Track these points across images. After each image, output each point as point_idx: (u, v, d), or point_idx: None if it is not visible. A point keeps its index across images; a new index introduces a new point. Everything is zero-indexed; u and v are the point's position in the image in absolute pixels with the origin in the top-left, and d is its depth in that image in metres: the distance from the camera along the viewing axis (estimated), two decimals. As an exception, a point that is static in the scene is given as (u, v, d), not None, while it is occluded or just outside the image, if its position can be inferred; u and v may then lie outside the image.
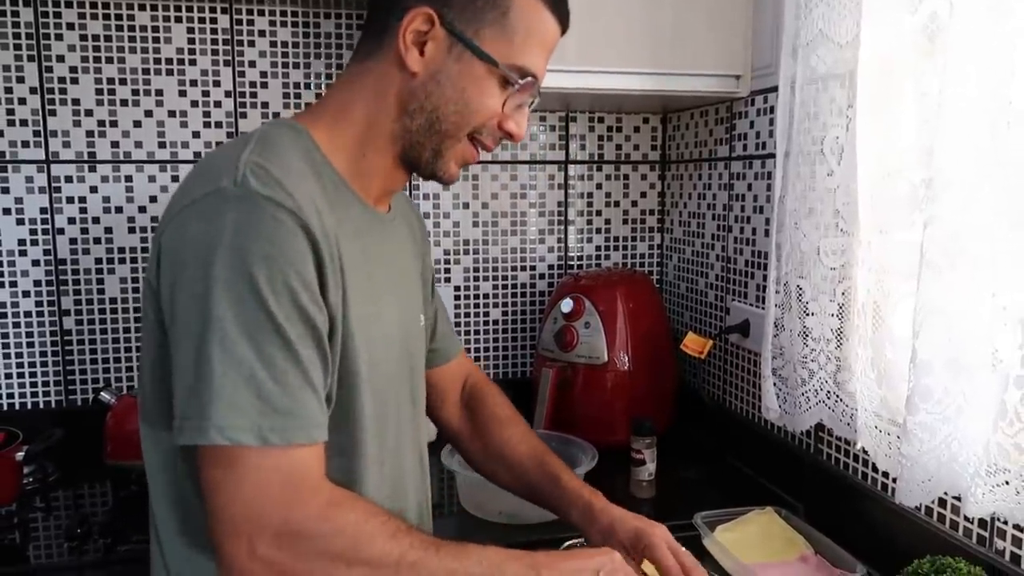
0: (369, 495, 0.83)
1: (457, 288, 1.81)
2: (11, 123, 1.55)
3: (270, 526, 0.69)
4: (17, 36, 1.54)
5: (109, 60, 1.58)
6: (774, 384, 1.27)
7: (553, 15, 0.84)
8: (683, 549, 0.92)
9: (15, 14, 1.53)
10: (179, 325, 0.71)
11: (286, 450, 0.70)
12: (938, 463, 0.93)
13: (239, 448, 0.69)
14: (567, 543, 1.01)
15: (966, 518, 1.02)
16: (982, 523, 0.99)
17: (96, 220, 1.61)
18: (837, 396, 1.15)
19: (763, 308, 1.31)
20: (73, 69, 1.57)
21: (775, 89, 1.27)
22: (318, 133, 0.83)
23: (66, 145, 1.58)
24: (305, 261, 0.72)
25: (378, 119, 0.84)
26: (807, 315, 1.18)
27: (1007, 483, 0.87)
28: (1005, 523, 0.96)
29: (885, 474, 1.16)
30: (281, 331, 0.70)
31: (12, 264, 1.58)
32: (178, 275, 0.71)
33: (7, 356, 1.59)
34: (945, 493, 0.96)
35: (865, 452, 1.13)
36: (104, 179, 1.60)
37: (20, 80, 1.55)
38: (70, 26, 1.56)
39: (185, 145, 1.63)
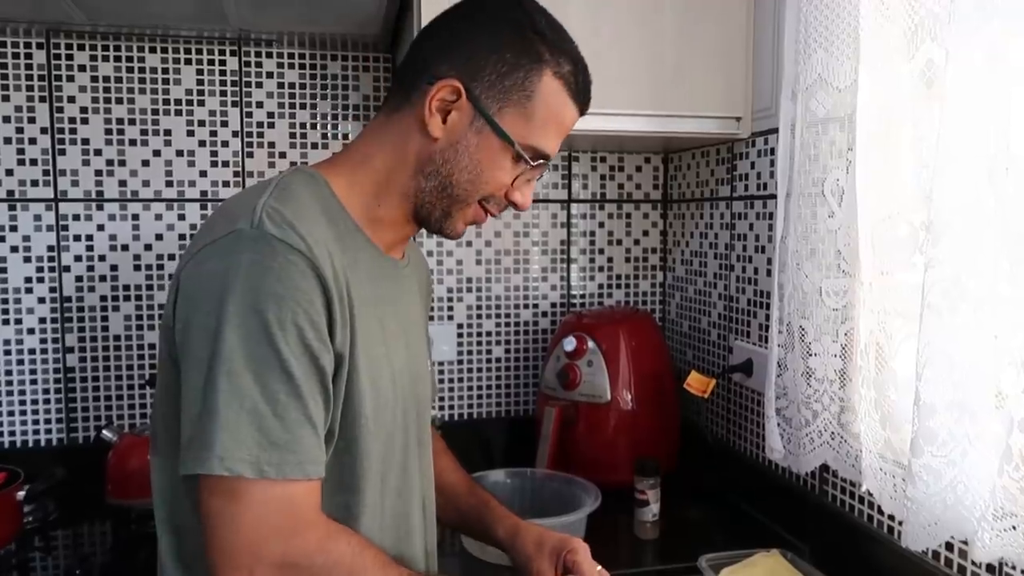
0: (368, 532, 0.84)
1: (460, 326, 1.81)
2: (21, 162, 1.57)
3: (269, 557, 0.71)
4: (30, 78, 1.57)
5: (119, 101, 1.61)
6: (778, 424, 1.26)
7: (575, 103, 0.89)
8: (598, 567, 0.99)
9: (28, 56, 1.56)
10: (190, 358, 0.74)
11: (283, 484, 0.72)
12: (944, 507, 0.92)
13: (239, 480, 0.71)
14: None
15: (974, 563, 1.01)
16: (990, 568, 0.98)
17: (102, 258, 1.62)
18: (841, 437, 1.15)
19: (766, 347, 1.31)
20: (83, 109, 1.59)
21: (775, 131, 1.29)
22: (337, 180, 0.86)
23: (74, 184, 1.60)
24: (313, 301, 0.74)
25: (395, 173, 0.87)
26: (810, 355, 1.18)
27: (1014, 528, 0.86)
28: (1013, 568, 0.95)
29: (891, 517, 1.15)
30: (286, 367, 0.72)
31: (18, 301, 1.59)
32: (192, 310, 0.74)
33: (10, 394, 1.59)
34: (952, 537, 0.95)
35: (870, 494, 1.12)
36: (111, 217, 1.62)
37: (31, 120, 1.57)
38: (81, 68, 1.59)
39: (192, 184, 1.65)
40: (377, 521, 0.86)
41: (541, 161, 0.88)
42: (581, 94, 0.90)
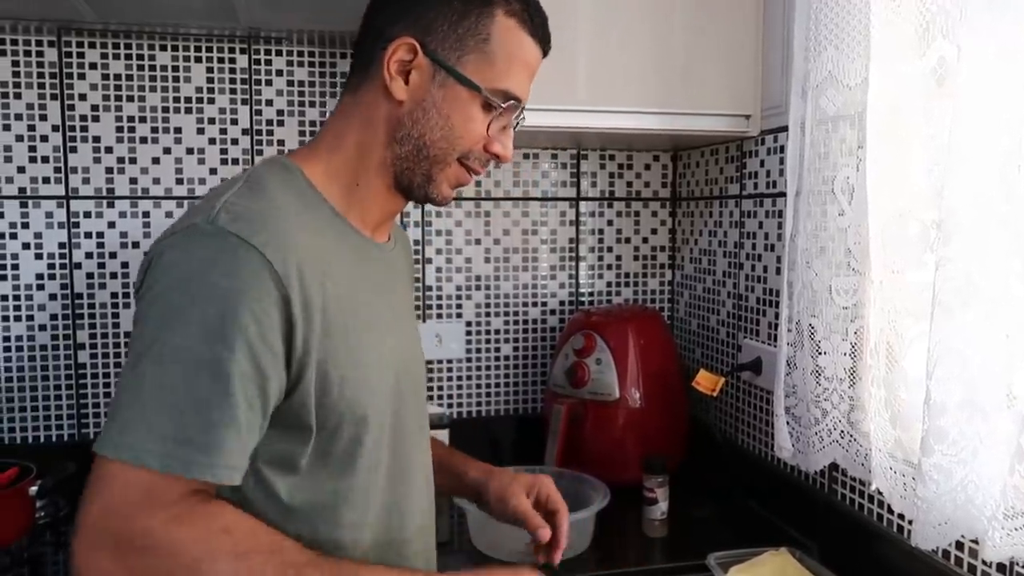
0: (359, 518, 0.85)
1: (468, 324, 1.81)
2: (32, 160, 1.58)
3: (118, 534, 0.69)
4: (41, 75, 1.57)
5: (130, 99, 1.61)
6: (787, 423, 1.26)
7: (533, 39, 0.88)
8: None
9: (39, 54, 1.57)
10: (132, 345, 0.74)
11: (177, 479, 0.70)
12: (954, 506, 0.92)
13: (121, 464, 0.69)
14: None
15: (984, 562, 1.00)
16: (1001, 567, 0.98)
17: (113, 255, 1.63)
18: (851, 436, 1.15)
19: (775, 346, 1.31)
20: (95, 107, 1.60)
21: (785, 129, 1.28)
22: (312, 168, 0.86)
23: (86, 181, 1.61)
24: (261, 299, 0.72)
25: (369, 148, 0.86)
26: (819, 354, 1.17)
27: (1025, 527, 0.86)
28: (1024, 567, 0.95)
29: (901, 516, 1.15)
30: (219, 366, 0.71)
31: (29, 298, 1.60)
32: (141, 300, 0.75)
33: (22, 390, 1.61)
34: (962, 536, 0.95)
35: (880, 493, 1.12)
36: (122, 215, 1.63)
37: (43, 118, 1.58)
38: (92, 66, 1.59)
39: (202, 182, 1.66)
40: (370, 507, 0.86)
41: (512, 103, 0.87)
42: (538, 29, 0.88)
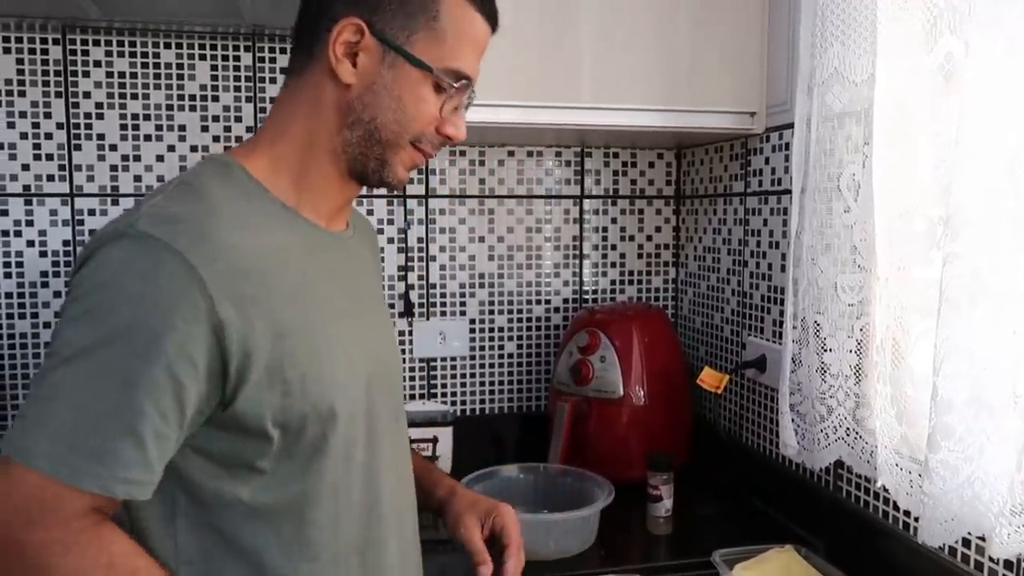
0: (330, 519, 0.81)
1: (472, 321, 1.81)
2: (37, 157, 1.58)
3: (16, 543, 0.68)
4: (46, 73, 1.57)
5: (134, 96, 1.61)
6: (792, 420, 1.26)
7: (482, 15, 0.85)
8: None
9: (44, 52, 1.57)
10: (49, 347, 0.72)
11: (68, 488, 0.67)
12: (961, 502, 0.91)
13: (16, 466, 0.68)
14: None
15: (991, 559, 1.00)
16: (1008, 564, 0.98)
17: (117, 252, 1.63)
18: (856, 433, 1.15)
19: (780, 343, 1.30)
20: (99, 105, 1.60)
21: (790, 126, 1.28)
22: (256, 162, 0.82)
23: (90, 179, 1.61)
24: (181, 305, 0.69)
25: (317, 134, 0.83)
26: (825, 351, 1.17)
27: (1033, 523, 0.86)
28: (1031, 564, 0.94)
29: (907, 513, 1.14)
30: (127, 374, 0.68)
31: (34, 296, 1.60)
32: (64, 305, 0.73)
33: (26, 387, 1.61)
34: (969, 533, 0.95)
35: (886, 490, 1.12)
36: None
37: (47, 116, 1.58)
38: (97, 63, 1.59)
39: (206, 179, 1.65)
40: (341, 504, 0.82)
41: (464, 82, 0.84)
42: (486, 5, 0.85)
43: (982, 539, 0.98)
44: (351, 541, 0.84)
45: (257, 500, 0.77)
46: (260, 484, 0.77)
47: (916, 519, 1.05)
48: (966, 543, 1.04)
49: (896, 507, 1.17)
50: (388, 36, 0.80)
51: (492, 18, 0.87)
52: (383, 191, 1.71)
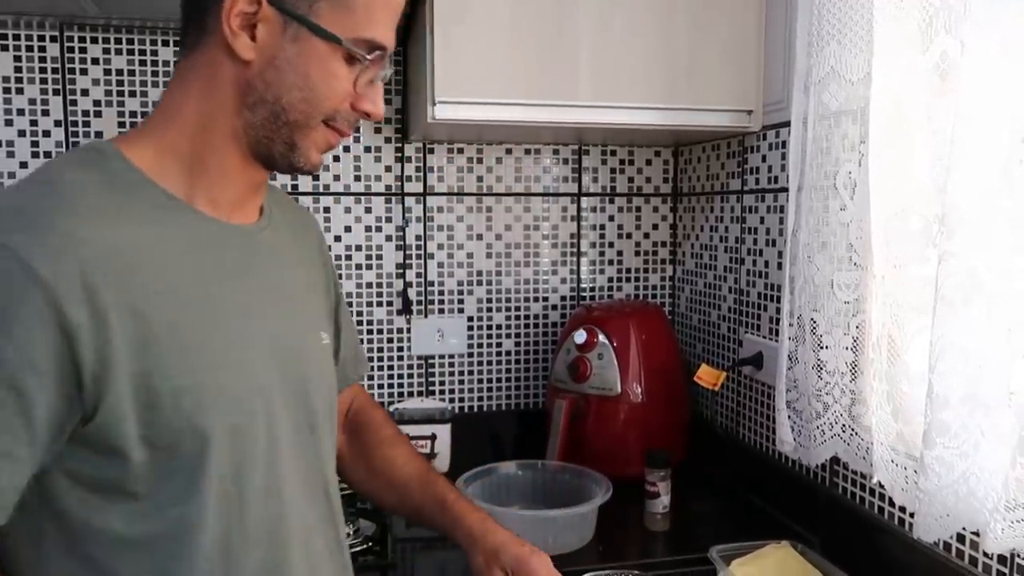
0: (221, 542, 0.73)
1: (470, 319, 1.82)
2: (35, 155, 1.58)
3: None
4: (43, 71, 1.57)
5: (132, 94, 1.61)
6: (788, 417, 1.27)
7: None
8: None
9: (42, 49, 1.57)
10: None
11: None
12: (956, 498, 0.92)
13: None
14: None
15: (985, 554, 1.01)
16: (1002, 559, 0.99)
17: (116, 250, 1.63)
18: (852, 430, 1.15)
19: (776, 341, 1.31)
20: (97, 103, 1.60)
21: (787, 124, 1.29)
22: (139, 148, 0.74)
23: (88, 177, 1.61)
24: (19, 311, 0.62)
25: (214, 118, 0.75)
26: (821, 348, 1.18)
27: (1026, 519, 0.86)
28: (1025, 559, 0.95)
29: (902, 509, 1.15)
30: None
31: (32, 293, 1.60)
32: None
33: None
34: (964, 528, 0.96)
35: (881, 486, 1.13)
36: (124, 210, 1.63)
37: (45, 113, 1.58)
38: (95, 61, 1.59)
39: (204, 177, 1.66)
40: (234, 530, 0.74)
41: (379, 53, 0.76)
42: None
43: (976, 534, 0.99)
44: (247, 566, 0.75)
45: (132, 528, 0.70)
46: (135, 510, 0.70)
47: (911, 515, 1.06)
48: (960, 538, 1.04)
49: (892, 503, 1.17)
50: (287, 5, 0.72)
51: None
52: (388, 189, 1.72)
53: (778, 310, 1.34)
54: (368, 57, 0.76)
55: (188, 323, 0.71)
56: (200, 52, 0.75)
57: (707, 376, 1.53)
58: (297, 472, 0.81)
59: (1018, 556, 0.96)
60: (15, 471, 0.64)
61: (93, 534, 0.69)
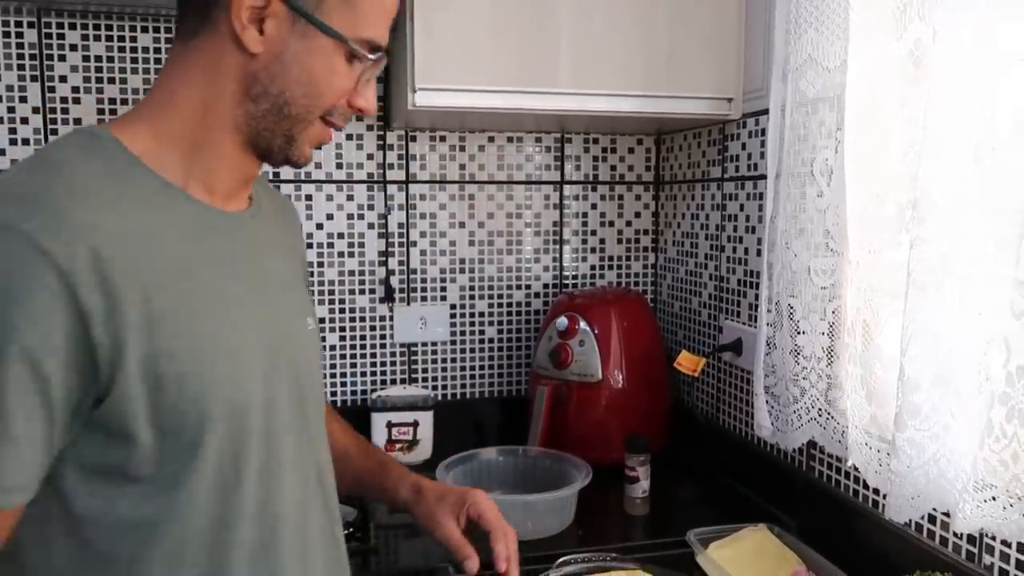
0: (217, 528, 0.74)
1: (453, 306, 1.82)
2: (13, 142, 1.57)
3: None
4: (21, 56, 1.56)
5: (111, 81, 1.60)
6: (766, 402, 1.28)
7: None
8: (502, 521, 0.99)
9: (19, 35, 1.55)
10: None
11: None
12: (927, 479, 0.94)
13: None
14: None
15: (955, 534, 1.03)
16: (971, 539, 1.01)
17: (96, 238, 1.62)
18: (828, 414, 1.17)
19: (755, 327, 1.33)
20: (75, 89, 1.59)
21: (766, 112, 1.30)
22: (133, 133, 0.75)
23: (67, 164, 1.59)
24: (38, 294, 0.63)
25: (214, 106, 0.76)
26: (798, 333, 1.19)
27: (994, 499, 0.88)
28: (993, 539, 0.97)
29: (876, 491, 1.17)
30: None
31: (11, 281, 1.59)
32: None
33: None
34: (934, 509, 0.98)
35: (856, 469, 1.14)
36: (104, 197, 1.62)
37: (23, 100, 1.57)
38: (73, 47, 1.58)
39: (185, 164, 1.65)
40: (230, 510, 0.75)
41: (380, 54, 0.79)
42: None
43: (947, 515, 1.01)
44: (242, 545, 0.76)
45: (133, 512, 0.71)
46: (137, 493, 0.71)
47: (884, 496, 1.08)
48: (931, 519, 1.06)
49: (866, 485, 1.19)
50: (298, 2, 0.74)
51: None
52: (370, 177, 1.71)
53: (757, 296, 1.36)
54: (370, 57, 0.78)
55: (190, 308, 0.72)
56: (202, 41, 0.76)
57: (687, 362, 1.54)
58: (291, 456, 0.82)
59: (986, 536, 0.98)
60: (37, 452, 0.66)
61: (95, 518, 0.71)
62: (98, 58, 1.59)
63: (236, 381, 0.76)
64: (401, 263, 1.78)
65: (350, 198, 1.74)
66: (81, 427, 0.69)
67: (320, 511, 0.87)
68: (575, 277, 1.90)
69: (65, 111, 1.59)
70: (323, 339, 1.74)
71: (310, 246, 1.71)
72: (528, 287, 1.87)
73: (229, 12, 0.73)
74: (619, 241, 1.92)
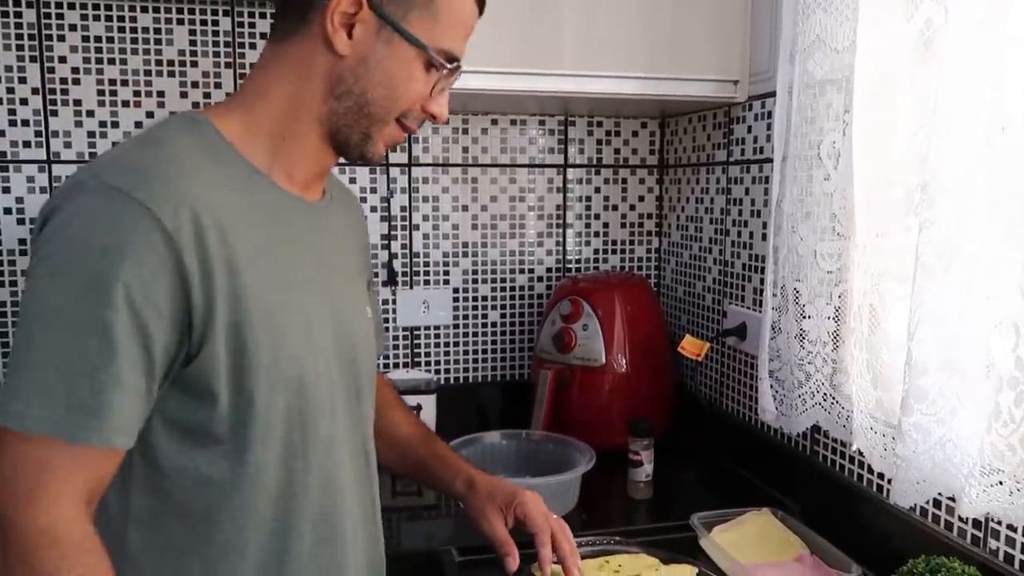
0: (284, 491, 0.81)
1: (456, 290, 1.82)
2: (13, 123, 1.56)
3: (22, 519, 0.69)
4: (20, 37, 1.54)
5: (111, 61, 1.59)
6: (771, 386, 1.28)
7: None
8: (554, 516, 1.05)
9: (18, 15, 1.54)
10: (20, 308, 0.72)
11: (68, 447, 0.69)
12: (932, 464, 0.94)
13: (10, 433, 0.69)
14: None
15: (960, 518, 1.03)
16: (976, 523, 1.00)
17: (97, 220, 1.61)
18: (833, 398, 1.17)
19: (760, 311, 1.32)
20: (75, 70, 1.57)
21: (773, 94, 1.28)
22: (227, 121, 0.82)
23: (67, 145, 1.59)
24: (146, 256, 0.70)
25: (302, 101, 0.82)
26: (804, 318, 1.19)
27: (1001, 483, 0.88)
28: (999, 523, 0.97)
29: (880, 475, 1.17)
30: (103, 325, 0.69)
31: (12, 263, 1.59)
32: (31, 264, 0.73)
33: (5, 355, 1.60)
34: (939, 494, 0.97)
35: (860, 454, 1.14)
36: (105, 180, 1.61)
37: (22, 80, 1.55)
38: (72, 27, 1.56)
39: (186, 146, 1.64)
40: (297, 476, 0.82)
41: (456, 64, 0.85)
42: None
43: (952, 499, 1.00)
44: (305, 511, 0.83)
45: (211, 469, 0.78)
46: (216, 452, 0.78)
47: (889, 481, 1.07)
48: (936, 503, 1.06)
49: (870, 470, 1.19)
50: (386, 11, 0.80)
51: (481, 2, 0.87)
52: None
53: (762, 281, 1.35)
54: (447, 66, 0.84)
55: (268, 283, 0.78)
56: (295, 41, 0.82)
57: (691, 347, 1.54)
58: (346, 431, 0.89)
59: (992, 520, 0.98)
60: (141, 402, 0.72)
61: (176, 471, 0.77)
62: (97, 38, 1.58)
63: (304, 356, 0.82)
64: (404, 247, 1.77)
65: (352, 181, 1.73)
66: (170, 384, 0.75)
67: (365, 486, 0.94)
68: (578, 261, 1.89)
69: (65, 91, 1.57)
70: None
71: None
72: (531, 271, 1.86)
73: (324, 16, 0.79)
74: (623, 225, 1.90)
